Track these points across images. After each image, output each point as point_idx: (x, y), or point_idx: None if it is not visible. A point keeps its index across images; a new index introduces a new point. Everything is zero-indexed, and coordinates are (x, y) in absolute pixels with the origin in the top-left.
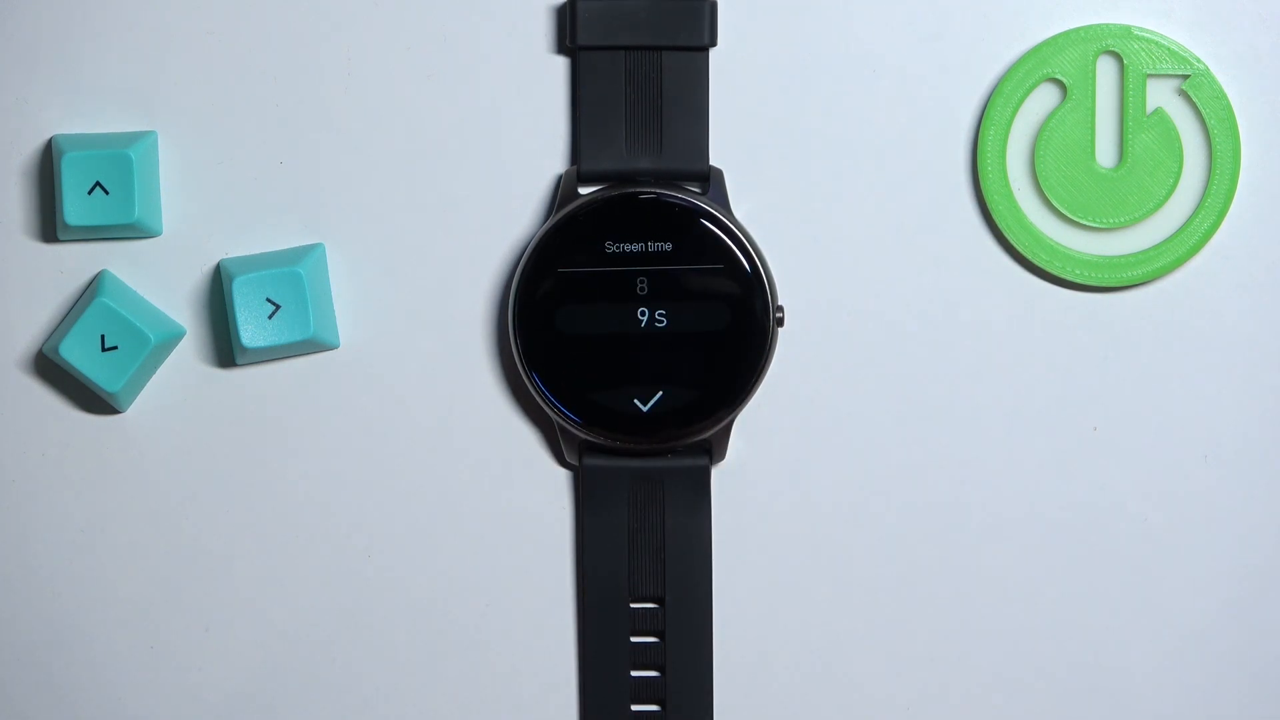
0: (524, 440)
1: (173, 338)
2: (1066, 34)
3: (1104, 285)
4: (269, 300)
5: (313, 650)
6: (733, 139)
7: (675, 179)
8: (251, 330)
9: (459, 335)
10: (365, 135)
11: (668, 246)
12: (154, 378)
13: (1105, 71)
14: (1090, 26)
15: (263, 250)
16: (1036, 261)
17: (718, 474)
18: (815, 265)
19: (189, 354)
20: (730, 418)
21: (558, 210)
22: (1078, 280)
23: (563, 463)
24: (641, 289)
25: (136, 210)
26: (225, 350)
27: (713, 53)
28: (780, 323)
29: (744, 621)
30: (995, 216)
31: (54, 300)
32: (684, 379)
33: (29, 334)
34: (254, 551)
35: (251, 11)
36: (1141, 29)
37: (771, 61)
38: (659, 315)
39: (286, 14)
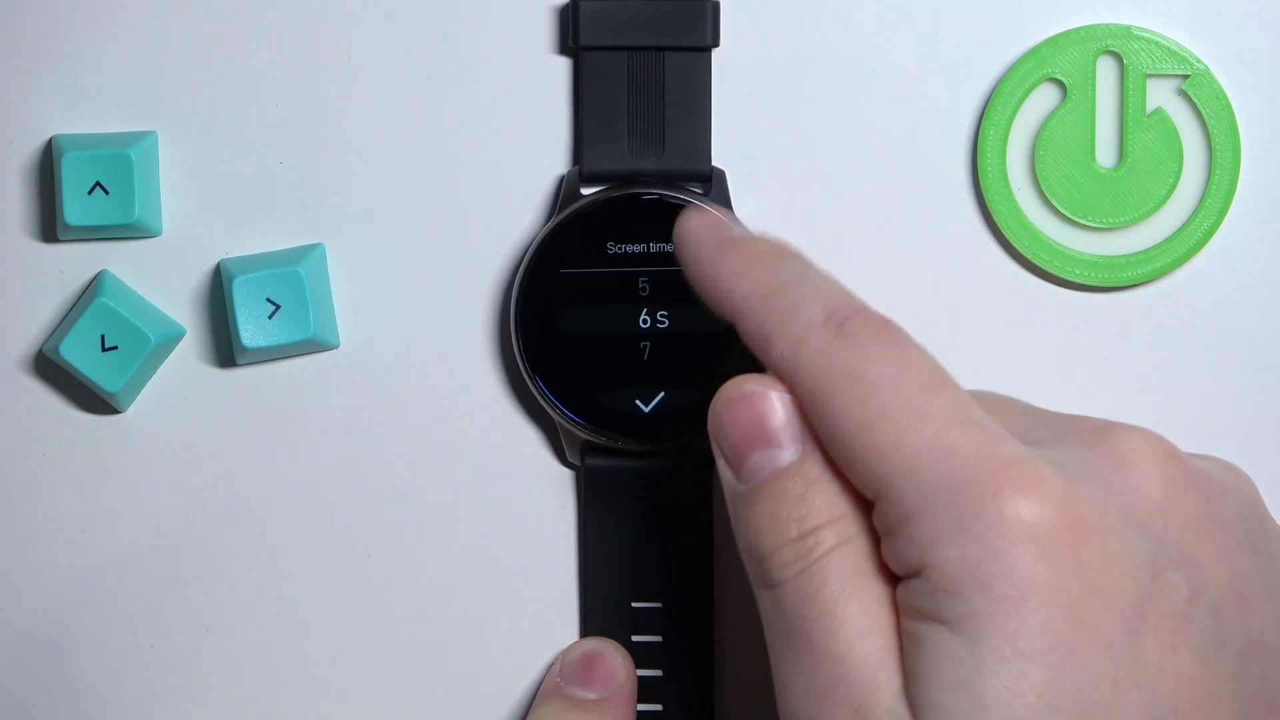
0: (526, 440)
1: (173, 338)
2: (1066, 34)
3: (1104, 285)
4: (269, 300)
5: (313, 650)
6: (735, 140)
7: (677, 180)
8: (251, 330)
9: (459, 335)
10: (365, 135)
11: (670, 247)
12: (154, 378)
13: (1105, 71)
14: (1090, 26)
15: (263, 250)
16: (1036, 261)
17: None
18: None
19: (189, 354)
20: None
21: (559, 211)
22: (1078, 280)
23: (564, 463)
24: (643, 290)
25: (136, 210)
26: (225, 350)
27: (715, 53)
28: None
29: (744, 621)
30: (995, 216)
31: (54, 300)
32: (686, 380)
33: (29, 334)
34: (254, 551)
35: (251, 11)
36: (1141, 29)
37: (773, 62)
38: (661, 316)
39: (286, 14)
